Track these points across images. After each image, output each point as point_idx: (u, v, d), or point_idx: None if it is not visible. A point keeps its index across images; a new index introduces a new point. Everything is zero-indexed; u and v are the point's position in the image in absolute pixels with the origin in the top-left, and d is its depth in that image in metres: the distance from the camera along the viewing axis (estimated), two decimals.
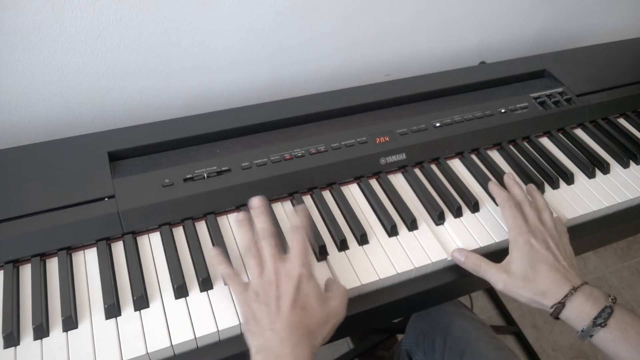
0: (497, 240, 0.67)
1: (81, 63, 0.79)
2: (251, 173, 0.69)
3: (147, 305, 0.57)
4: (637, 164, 0.82)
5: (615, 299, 0.58)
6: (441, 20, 1.03)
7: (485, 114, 0.82)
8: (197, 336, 0.54)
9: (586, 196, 0.75)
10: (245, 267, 0.61)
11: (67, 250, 0.61)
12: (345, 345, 1.35)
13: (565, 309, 0.57)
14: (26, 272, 0.59)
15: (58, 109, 0.83)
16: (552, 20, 1.16)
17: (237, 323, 0.56)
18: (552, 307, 0.58)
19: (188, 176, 0.67)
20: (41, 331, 0.53)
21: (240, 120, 0.76)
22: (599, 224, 0.75)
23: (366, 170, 0.73)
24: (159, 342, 0.54)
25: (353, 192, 0.72)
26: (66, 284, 0.57)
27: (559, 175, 0.77)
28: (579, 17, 1.19)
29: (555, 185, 0.76)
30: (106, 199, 0.63)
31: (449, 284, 0.65)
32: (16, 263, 0.60)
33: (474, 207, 0.71)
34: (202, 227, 0.65)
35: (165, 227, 0.64)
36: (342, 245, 0.64)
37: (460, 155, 0.80)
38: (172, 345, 0.54)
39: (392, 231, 0.66)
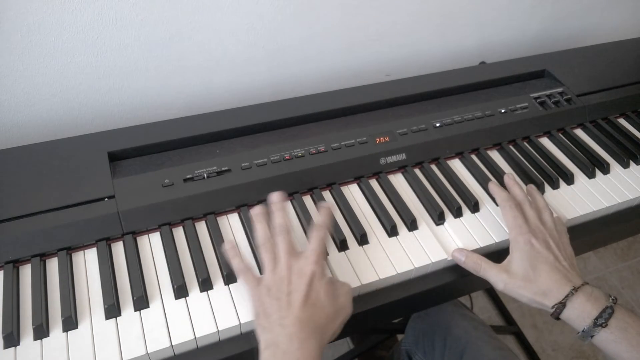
0: (497, 241, 0.67)
1: (81, 63, 0.79)
2: (251, 173, 0.69)
3: (147, 306, 0.57)
4: (637, 164, 0.82)
5: (616, 299, 0.58)
6: (441, 20, 1.03)
7: (485, 114, 0.82)
8: (197, 336, 0.54)
9: (586, 196, 0.75)
10: (257, 262, 0.61)
11: (67, 251, 0.61)
12: (345, 345, 1.35)
13: (566, 309, 0.57)
14: (26, 272, 0.59)
15: (58, 109, 0.83)
16: (551, 20, 1.16)
17: (237, 323, 0.56)
18: (552, 307, 0.58)
19: (188, 176, 0.67)
20: (41, 331, 0.53)
21: (240, 120, 0.76)
22: (599, 224, 0.75)
23: (366, 171, 0.73)
24: (159, 342, 0.54)
25: (353, 192, 0.72)
26: (66, 284, 0.57)
27: (559, 176, 0.77)
28: (578, 17, 1.19)
29: (555, 186, 0.76)
30: (106, 199, 0.63)
31: (449, 284, 0.65)
32: (16, 263, 0.59)
33: (474, 207, 0.71)
34: (202, 227, 0.65)
35: (165, 227, 0.64)
36: (342, 246, 0.64)
37: (460, 155, 0.79)
38: (172, 345, 0.54)
39: (392, 231, 0.66)
